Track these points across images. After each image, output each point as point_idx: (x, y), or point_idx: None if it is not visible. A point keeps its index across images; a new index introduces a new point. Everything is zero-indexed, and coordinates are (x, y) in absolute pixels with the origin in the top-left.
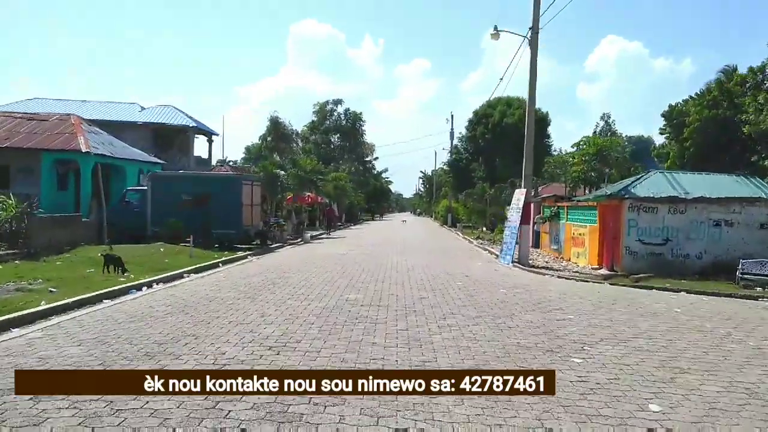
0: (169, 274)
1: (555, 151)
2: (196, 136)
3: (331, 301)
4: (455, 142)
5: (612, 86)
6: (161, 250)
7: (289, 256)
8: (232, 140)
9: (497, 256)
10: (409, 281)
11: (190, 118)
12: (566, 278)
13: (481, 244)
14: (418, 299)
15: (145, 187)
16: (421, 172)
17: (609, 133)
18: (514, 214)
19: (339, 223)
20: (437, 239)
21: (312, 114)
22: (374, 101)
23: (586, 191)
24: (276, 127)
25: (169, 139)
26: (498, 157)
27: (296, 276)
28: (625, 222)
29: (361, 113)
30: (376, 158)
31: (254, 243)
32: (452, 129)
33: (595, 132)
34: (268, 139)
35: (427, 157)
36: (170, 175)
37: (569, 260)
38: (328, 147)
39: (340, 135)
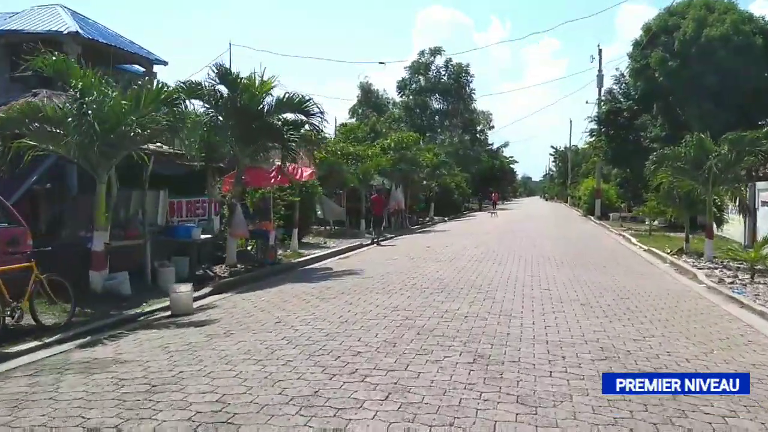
0: None
1: None
2: (141, 69)
3: None
4: (609, 85)
5: None
6: None
7: None
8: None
9: None
10: None
11: (80, 19)
12: None
13: (730, 287)
14: None
15: None
16: (552, 147)
17: None
18: None
19: (420, 219)
20: (606, 271)
21: (404, 70)
22: (500, 84)
23: None
24: (367, 95)
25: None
26: (691, 101)
27: None
28: None
29: (467, 65)
30: (491, 127)
31: None
32: (600, 70)
33: None
34: (360, 111)
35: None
36: None
37: None
38: (425, 113)
39: (439, 96)
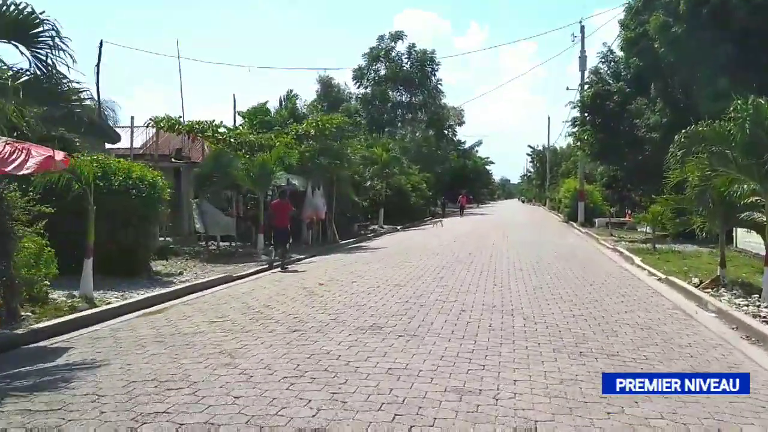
0: None
1: None
2: None
3: None
4: (595, 64)
5: None
6: None
7: None
8: None
9: None
10: None
11: None
12: None
13: None
14: None
15: None
16: (529, 147)
17: None
18: None
19: (362, 230)
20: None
21: (361, 58)
22: (479, 87)
23: None
24: (327, 89)
25: None
26: (701, 79)
27: None
28: None
29: (433, 51)
30: (462, 123)
31: None
32: (583, 50)
33: None
34: (319, 106)
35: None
36: None
37: None
38: (385, 105)
39: (401, 86)
